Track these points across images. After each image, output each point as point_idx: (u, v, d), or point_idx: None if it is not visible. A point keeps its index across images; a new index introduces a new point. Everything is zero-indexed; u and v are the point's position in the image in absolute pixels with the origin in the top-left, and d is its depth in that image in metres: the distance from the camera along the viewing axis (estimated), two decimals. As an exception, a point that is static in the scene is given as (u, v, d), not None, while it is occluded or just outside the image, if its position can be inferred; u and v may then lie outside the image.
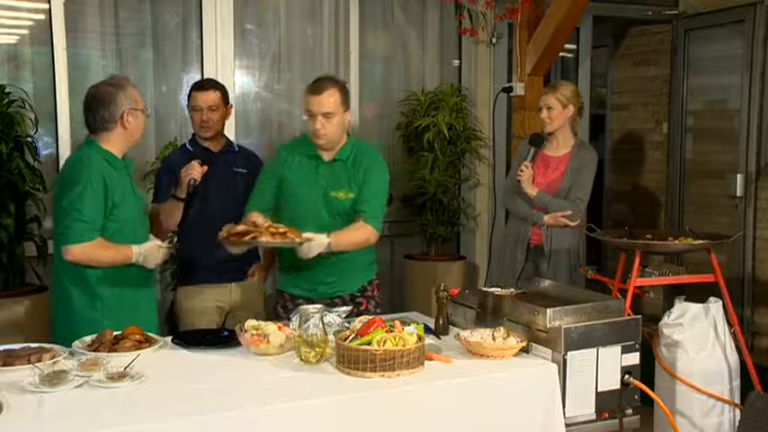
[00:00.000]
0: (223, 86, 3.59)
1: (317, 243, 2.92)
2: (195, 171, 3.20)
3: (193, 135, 3.60)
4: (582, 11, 4.87)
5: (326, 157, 3.16)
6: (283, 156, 3.23)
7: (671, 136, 6.14)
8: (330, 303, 3.08)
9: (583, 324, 2.57)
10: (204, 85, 3.56)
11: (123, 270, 2.86)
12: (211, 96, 3.48)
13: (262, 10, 5.00)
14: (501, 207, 4.78)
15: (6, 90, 3.98)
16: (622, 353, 2.62)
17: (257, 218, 3.01)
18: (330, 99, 3.04)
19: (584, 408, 2.57)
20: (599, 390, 2.59)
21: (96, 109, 2.84)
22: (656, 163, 6.31)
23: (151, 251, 2.90)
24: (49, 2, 4.30)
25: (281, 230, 2.76)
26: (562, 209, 3.81)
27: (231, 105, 3.65)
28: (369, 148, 3.27)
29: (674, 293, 3.97)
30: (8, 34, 4.40)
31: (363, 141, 3.33)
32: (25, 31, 4.42)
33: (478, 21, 5.25)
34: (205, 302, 3.53)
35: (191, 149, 3.54)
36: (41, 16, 4.36)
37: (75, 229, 2.72)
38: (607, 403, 2.60)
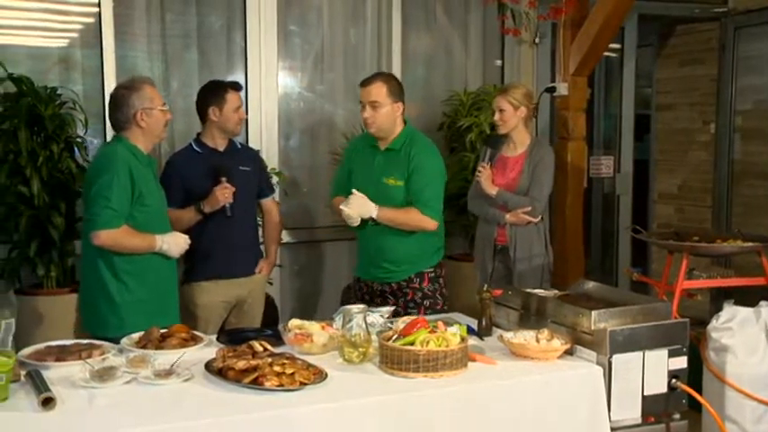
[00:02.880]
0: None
1: (358, 200, 3.27)
2: (230, 197, 3.46)
3: (198, 135, 3.68)
4: (628, 10, 4.81)
5: (382, 146, 3.44)
6: (351, 147, 3.69)
7: (719, 136, 6.02)
8: (381, 292, 3.47)
9: (628, 326, 2.53)
10: (236, 86, 3.67)
11: (148, 259, 3.02)
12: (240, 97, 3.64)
13: (305, 11, 5.03)
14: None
15: (58, 92, 4.07)
16: (669, 356, 2.58)
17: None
18: (375, 90, 3.33)
19: (630, 411, 2.54)
20: (645, 393, 2.55)
21: (112, 111, 3.06)
22: (703, 164, 6.19)
23: (175, 241, 3.08)
24: (99, 5, 4.39)
25: (288, 371, 2.26)
26: (521, 205, 3.84)
27: None
28: (420, 138, 3.47)
29: (720, 296, 3.90)
30: (60, 38, 4.51)
31: (418, 131, 3.52)
32: (76, 35, 4.52)
33: (522, 20, 5.21)
34: (215, 297, 3.61)
35: (198, 150, 3.63)
36: (91, 20, 4.46)
37: (103, 216, 2.90)
38: (653, 407, 2.57)
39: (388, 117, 3.37)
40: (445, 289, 3.56)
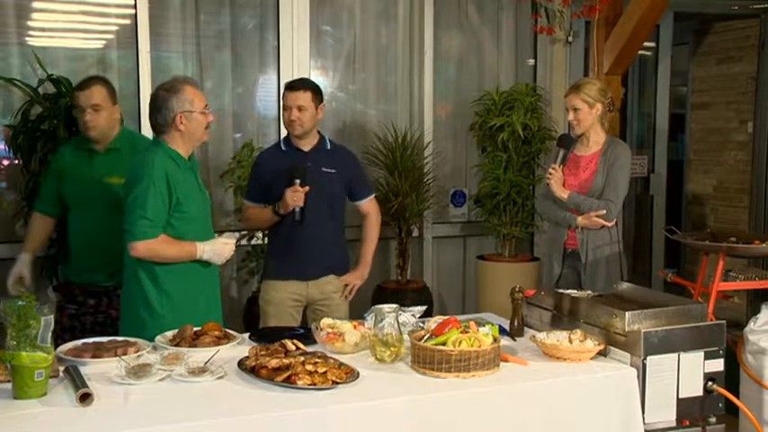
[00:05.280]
0: (315, 86, 3.62)
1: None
2: (301, 200, 3.40)
3: (288, 134, 3.64)
4: (664, 8, 4.74)
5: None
6: None
7: (756, 135, 5.91)
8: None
9: (663, 328, 2.50)
10: (294, 84, 3.60)
11: (189, 267, 2.95)
12: (301, 96, 3.52)
13: (337, 11, 5.05)
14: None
15: (95, 92, 4.13)
16: (705, 359, 2.54)
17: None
18: (95, 92, 3.42)
19: (665, 414, 2.51)
20: (680, 396, 2.52)
21: (152, 113, 2.96)
22: (740, 164, 6.10)
23: (218, 248, 2.99)
24: (136, 7, 4.45)
25: (321, 370, 2.26)
26: (595, 208, 3.64)
27: (323, 105, 3.63)
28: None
29: (758, 298, 3.84)
30: (97, 39, 4.58)
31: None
32: (112, 36, 4.58)
33: (555, 19, 5.17)
34: (283, 295, 3.60)
35: (283, 149, 3.63)
36: (127, 21, 4.52)
37: (139, 226, 2.83)
38: (689, 410, 2.54)
39: (106, 121, 3.45)
40: None
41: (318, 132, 3.66)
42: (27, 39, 4.39)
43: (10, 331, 2.17)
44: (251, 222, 3.76)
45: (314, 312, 3.64)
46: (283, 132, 4.72)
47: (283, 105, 3.57)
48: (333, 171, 3.58)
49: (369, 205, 3.77)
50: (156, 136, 3.01)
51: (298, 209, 3.42)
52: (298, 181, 3.41)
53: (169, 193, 2.87)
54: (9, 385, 2.16)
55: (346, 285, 3.70)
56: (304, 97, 3.52)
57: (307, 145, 3.59)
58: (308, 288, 3.61)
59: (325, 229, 3.59)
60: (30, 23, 4.42)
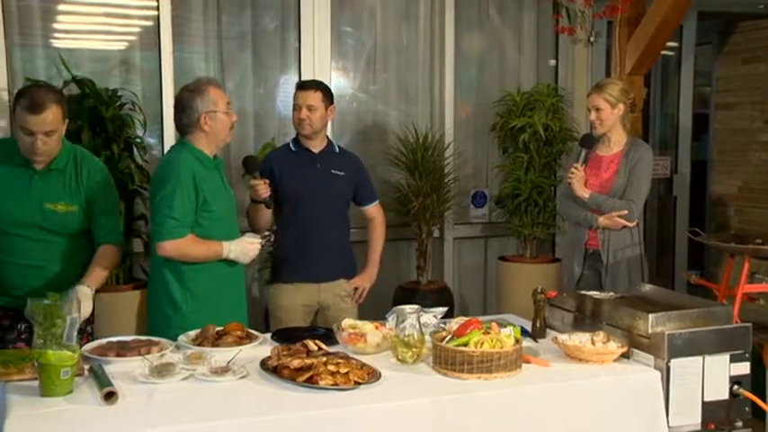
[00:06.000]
0: (326, 87, 3.62)
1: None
2: (265, 191, 3.37)
3: (297, 134, 3.66)
4: (687, 7, 4.70)
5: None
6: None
7: (781, 136, 5.85)
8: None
9: (688, 330, 2.48)
10: (305, 84, 3.63)
11: (215, 266, 2.97)
12: (311, 96, 3.53)
13: (358, 12, 5.06)
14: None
15: (118, 93, 4.17)
16: (731, 362, 2.51)
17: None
18: (50, 117, 2.77)
19: (690, 418, 2.48)
20: (705, 399, 2.49)
21: (177, 114, 2.99)
22: (765, 164, 6.03)
23: (244, 247, 3.00)
24: (158, 9, 4.48)
25: (342, 370, 2.26)
26: (617, 208, 3.63)
27: (333, 107, 3.63)
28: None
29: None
30: (120, 41, 4.62)
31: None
32: (135, 38, 4.62)
33: (576, 19, 5.14)
34: (294, 300, 3.60)
35: (293, 149, 3.64)
36: (150, 23, 4.56)
37: (167, 226, 2.85)
38: (714, 414, 2.50)
39: (58, 142, 2.87)
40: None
41: (327, 137, 3.68)
42: (52, 41, 4.44)
43: (37, 330, 2.20)
44: (250, 220, 3.69)
45: (325, 317, 3.62)
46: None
47: (294, 104, 3.58)
48: (342, 173, 3.61)
49: (375, 210, 3.78)
50: (182, 137, 3.04)
51: (268, 198, 3.40)
52: (257, 174, 3.40)
53: (196, 193, 2.89)
54: (36, 383, 2.18)
55: (356, 289, 3.70)
56: (314, 97, 3.53)
57: (316, 146, 3.61)
58: (320, 291, 3.61)
59: (333, 230, 3.61)
60: (55, 26, 4.47)
